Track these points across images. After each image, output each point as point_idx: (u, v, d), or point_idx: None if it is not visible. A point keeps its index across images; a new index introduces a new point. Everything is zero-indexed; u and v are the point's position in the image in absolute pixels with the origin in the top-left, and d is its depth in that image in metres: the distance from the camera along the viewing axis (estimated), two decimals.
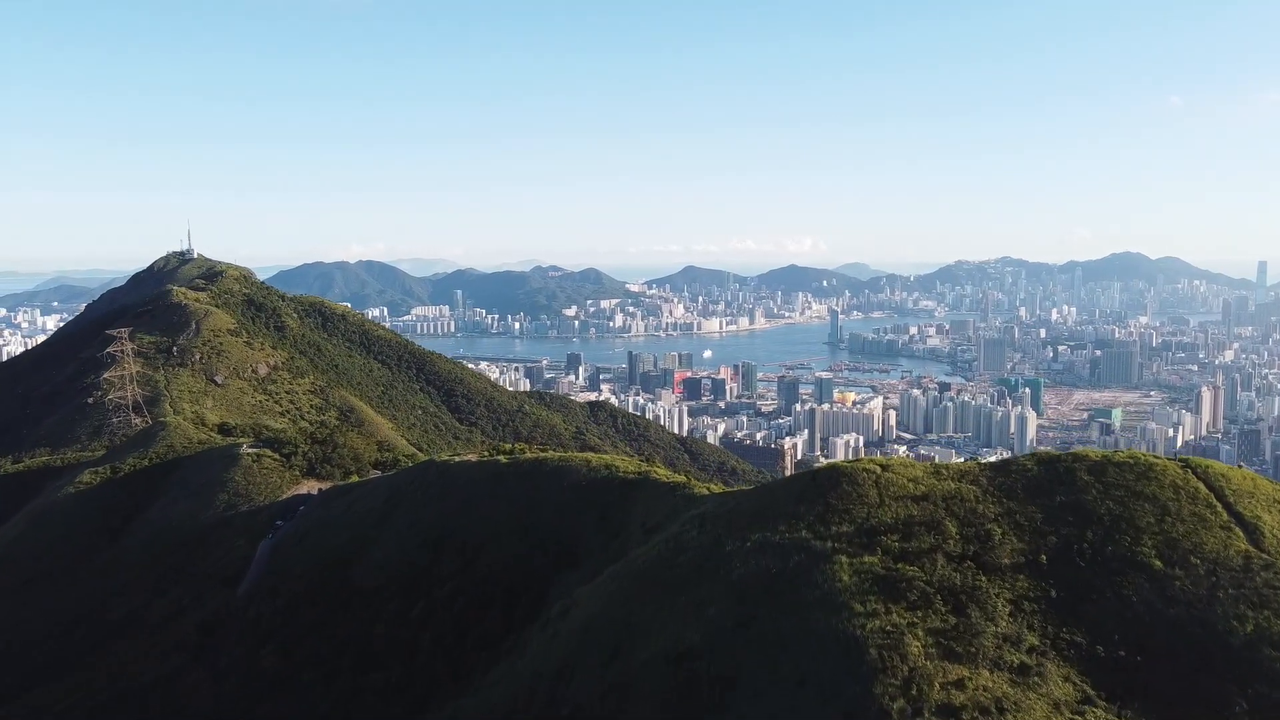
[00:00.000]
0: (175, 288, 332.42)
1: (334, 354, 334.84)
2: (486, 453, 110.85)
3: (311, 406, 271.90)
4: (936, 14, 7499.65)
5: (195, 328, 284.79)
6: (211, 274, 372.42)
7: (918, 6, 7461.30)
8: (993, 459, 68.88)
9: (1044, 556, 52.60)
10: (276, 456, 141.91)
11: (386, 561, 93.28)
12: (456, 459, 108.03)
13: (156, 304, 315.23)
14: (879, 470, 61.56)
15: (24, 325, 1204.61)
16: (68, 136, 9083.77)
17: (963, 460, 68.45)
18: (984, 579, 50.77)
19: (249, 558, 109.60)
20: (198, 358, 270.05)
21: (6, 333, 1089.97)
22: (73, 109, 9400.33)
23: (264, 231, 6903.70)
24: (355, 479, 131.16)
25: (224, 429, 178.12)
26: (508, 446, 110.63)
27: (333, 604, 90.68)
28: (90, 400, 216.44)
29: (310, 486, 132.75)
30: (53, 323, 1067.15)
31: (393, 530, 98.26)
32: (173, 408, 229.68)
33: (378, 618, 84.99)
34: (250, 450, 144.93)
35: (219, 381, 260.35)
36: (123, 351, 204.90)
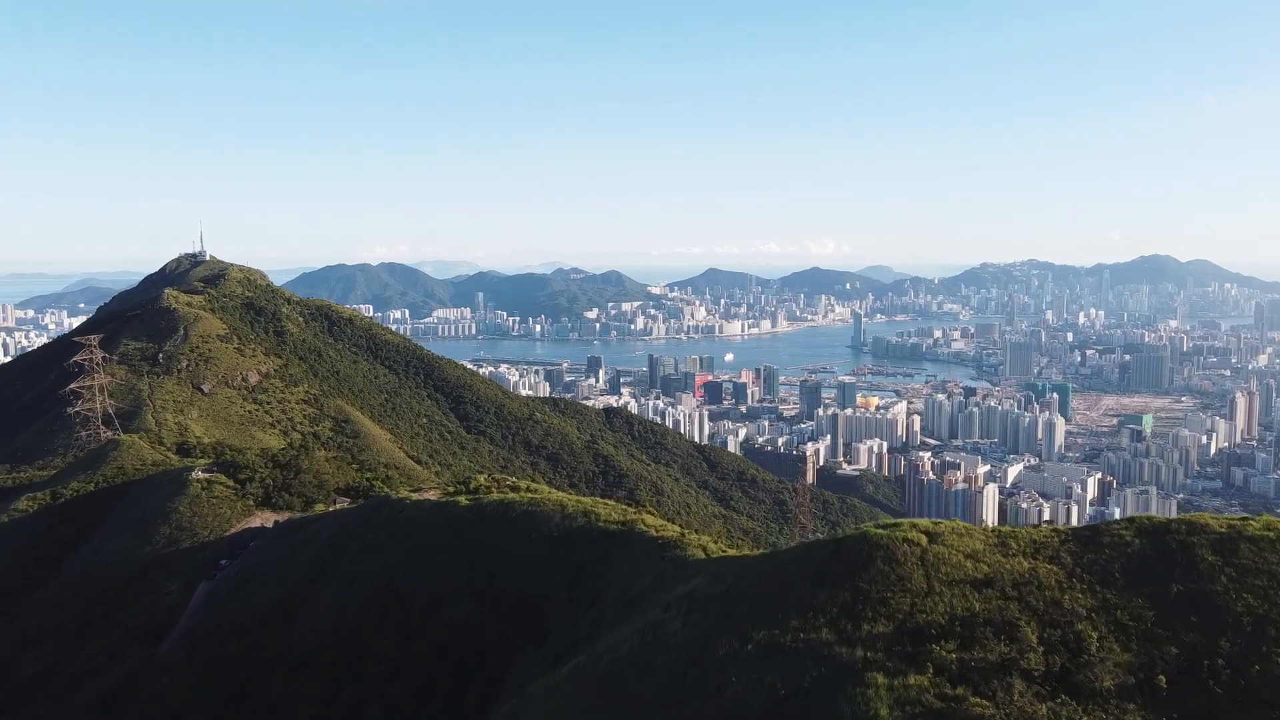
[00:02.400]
0: (168, 290, 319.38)
1: (336, 360, 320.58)
2: (450, 488, 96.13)
3: (304, 417, 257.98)
4: (963, 23, 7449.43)
5: (184, 333, 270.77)
6: (215, 276, 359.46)
7: (943, 16, 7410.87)
8: (1075, 524, 51.62)
9: (1162, 677, 36.92)
10: (230, 483, 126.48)
11: (321, 623, 78.34)
12: (413, 497, 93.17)
13: (147, 308, 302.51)
14: (924, 541, 45.83)
15: (50, 326, 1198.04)
16: (101, 141, 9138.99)
17: (1036, 526, 49.03)
18: (1081, 713, 35.59)
19: (183, 605, 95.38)
20: (184, 365, 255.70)
21: (33, 334, 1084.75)
22: (108, 115, 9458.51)
23: (291, 234, 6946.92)
24: (321, 508, 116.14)
25: (183, 448, 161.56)
26: (480, 480, 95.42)
27: (254, 674, 75.95)
28: (69, 411, 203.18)
29: (265, 518, 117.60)
30: (79, 324, 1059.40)
31: (333, 583, 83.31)
32: (154, 419, 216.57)
33: (303, 695, 70.58)
34: (200, 476, 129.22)
35: (205, 390, 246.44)
36: (91, 360, 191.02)
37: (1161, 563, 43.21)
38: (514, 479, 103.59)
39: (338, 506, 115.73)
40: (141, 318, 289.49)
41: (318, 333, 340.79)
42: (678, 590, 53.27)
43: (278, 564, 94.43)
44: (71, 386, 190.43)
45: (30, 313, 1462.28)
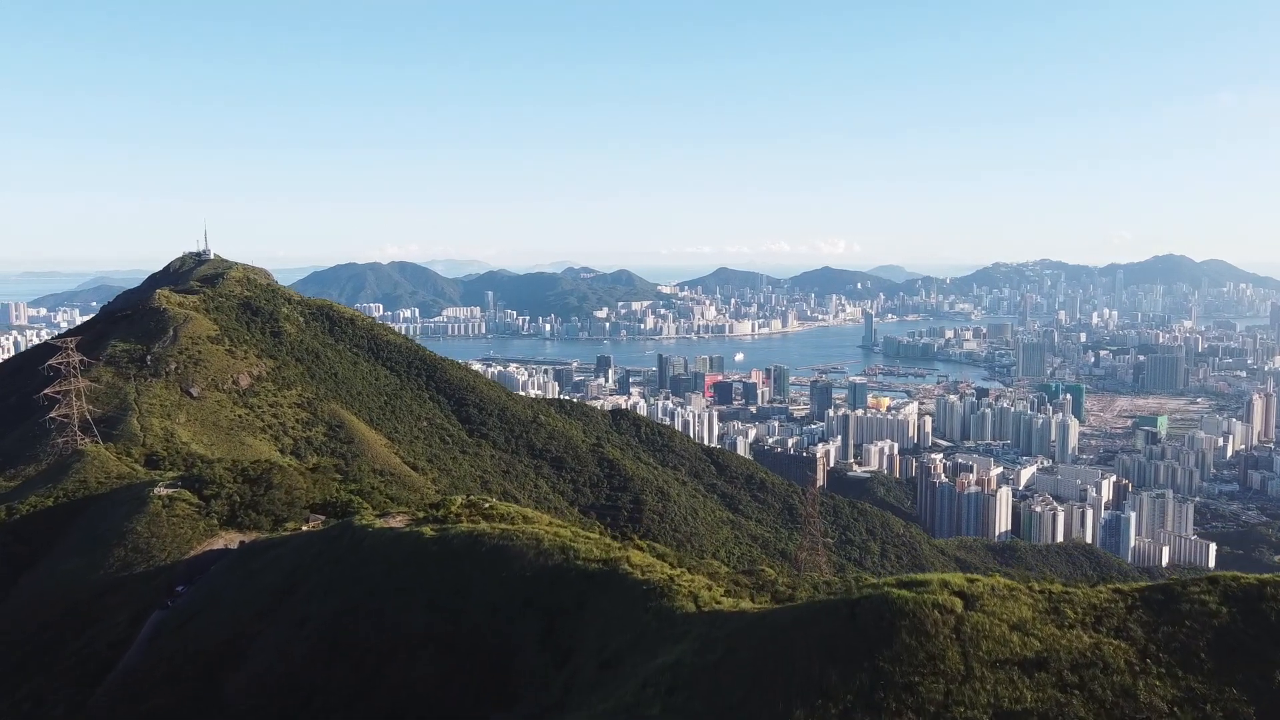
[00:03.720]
0: (159, 290, 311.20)
1: (334, 361, 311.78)
2: (420, 512, 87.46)
3: (297, 421, 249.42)
4: (974, 23, 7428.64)
5: (173, 334, 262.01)
6: (214, 276, 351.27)
7: (954, 16, 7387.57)
8: (1144, 583, 41.64)
9: None
10: (194, 500, 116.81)
11: (263, 675, 69.52)
12: (376, 524, 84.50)
13: (137, 308, 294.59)
14: (959, 607, 37.03)
15: (63, 325, 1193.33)
16: (116, 141, 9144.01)
17: (1094, 587, 39.20)
18: None
19: (131, 638, 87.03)
20: (173, 367, 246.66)
21: (44, 333, 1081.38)
22: (123, 114, 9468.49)
23: (304, 234, 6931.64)
24: (292, 526, 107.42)
25: (151, 460, 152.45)
26: (454, 504, 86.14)
27: None
28: (48, 417, 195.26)
29: (229, 539, 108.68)
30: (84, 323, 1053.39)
31: (282, 623, 74.68)
32: (140, 423, 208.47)
33: None
34: (162, 492, 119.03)
35: (194, 394, 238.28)
36: (67, 363, 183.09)
37: (1258, 638, 34.50)
38: (493, 501, 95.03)
39: (310, 525, 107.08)
40: (131, 318, 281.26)
41: (318, 333, 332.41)
42: (660, 660, 44.83)
43: (229, 596, 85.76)
44: (46, 391, 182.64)
45: (43, 311, 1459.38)
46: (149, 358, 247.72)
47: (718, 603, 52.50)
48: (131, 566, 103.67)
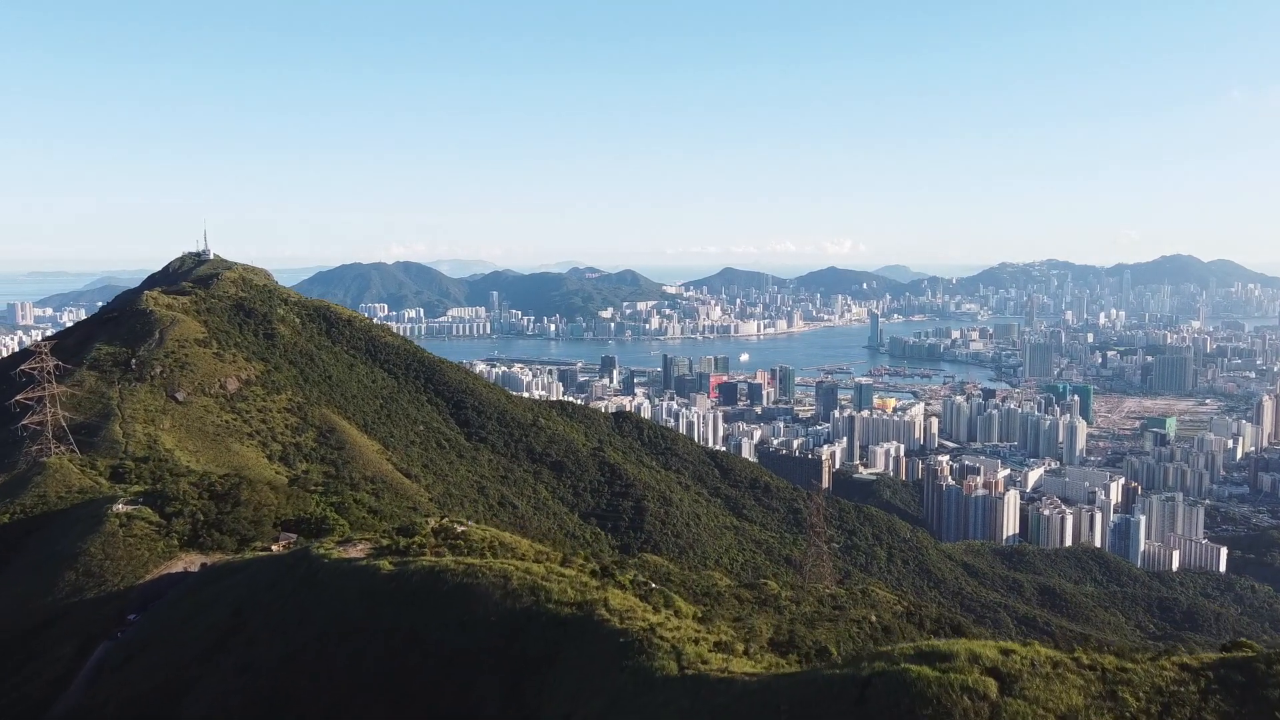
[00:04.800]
0: (147, 292, 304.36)
1: (329, 364, 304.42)
2: (385, 538, 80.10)
3: (286, 427, 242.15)
4: (981, 28, 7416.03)
5: (159, 337, 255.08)
6: (209, 276, 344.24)
7: (962, 21, 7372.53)
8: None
9: None
10: (154, 519, 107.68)
11: None
12: (334, 554, 77.12)
13: (123, 310, 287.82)
14: (993, 691, 29.80)
15: (68, 325, 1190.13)
16: (124, 141, 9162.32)
17: (1154, 658, 31.76)
18: None
19: (74, 674, 79.88)
20: (158, 371, 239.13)
21: (50, 333, 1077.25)
22: (132, 115, 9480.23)
23: (309, 234, 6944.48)
24: (258, 547, 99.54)
25: (117, 473, 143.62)
26: (424, 529, 78.68)
27: None
28: (22, 424, 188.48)
29: (190, 561, 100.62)
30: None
31: (223, 670, 67.22)
32: (122, 430, 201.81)
33: None
34: (121, 509, 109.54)
35: (180, 399, 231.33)
36: (41, 368, 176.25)
37: None
38: (468, 524, 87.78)
39: (280, 546, 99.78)
40: (117, 321, 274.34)
41: (314, 335, 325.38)
42: None
43: (175, 629, 78.29)
44: (18, 398, 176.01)
45: (49, 311, 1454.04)
46: (134, 361, 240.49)
47: (704, 661, 45.55)
48: (82, 591, 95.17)
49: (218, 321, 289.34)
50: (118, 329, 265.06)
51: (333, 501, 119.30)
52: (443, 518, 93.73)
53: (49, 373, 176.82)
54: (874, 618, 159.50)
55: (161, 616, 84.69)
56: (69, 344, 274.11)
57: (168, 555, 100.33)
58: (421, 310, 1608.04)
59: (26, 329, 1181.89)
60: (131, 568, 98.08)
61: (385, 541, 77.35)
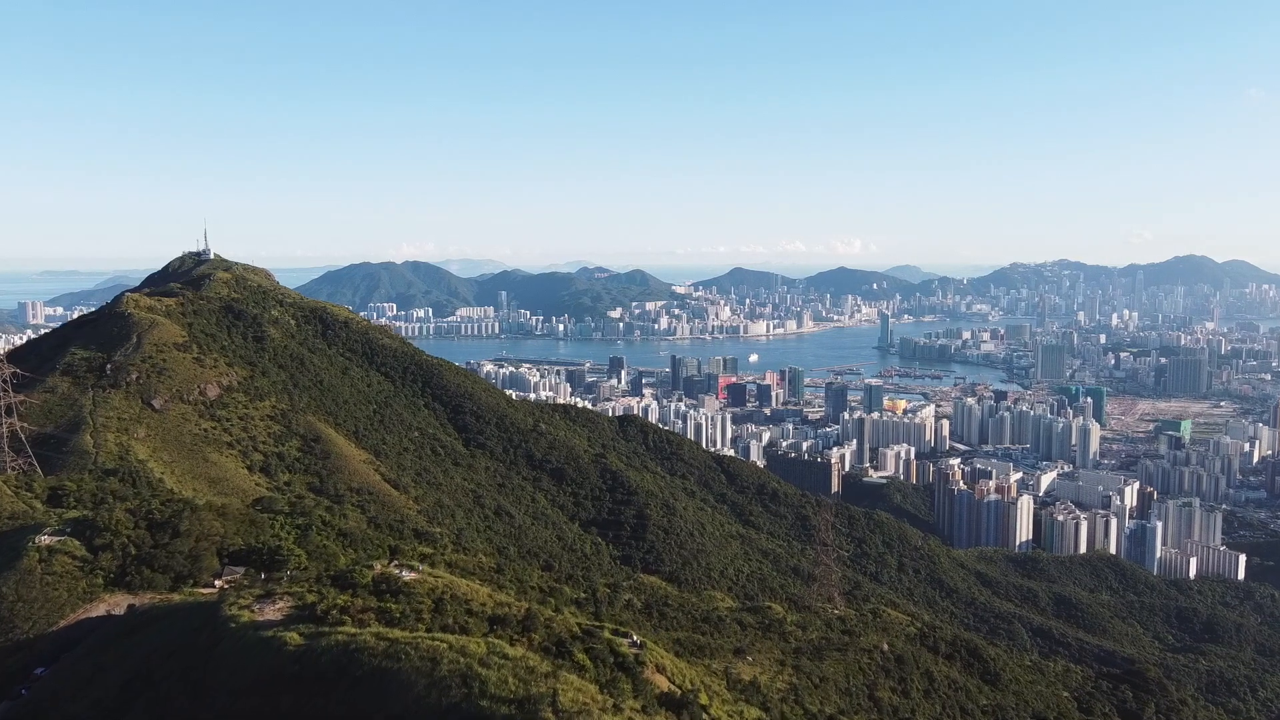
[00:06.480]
0: (128, 294, 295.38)
1: (321, 368, 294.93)
2: (311, 593, 70.11)
3: (269, 435, 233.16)
4: (992, 22, 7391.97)
5: (136, 341, 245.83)
6: (201, 277, 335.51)
7: (973, 14, 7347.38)
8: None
9: None
10: (80, 553, 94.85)
11: None
12: (243, 618, 66.35)
13: (100, 313, 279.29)
14: None
15: None
16: (136, 139, 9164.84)
17: None
18: None
19: None
20: (134, 377, 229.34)
21: None
22: (143, 113, 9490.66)
23: (319, 234, 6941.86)
24: (191, 588, 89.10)
25: (55, 495, 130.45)
26: (364, 577, 68.44)
27: None
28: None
29: (115, 603, 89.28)
30: None
31: None
32: (93, 439, 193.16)
33: None
34: (44, 542, 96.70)
35: (156, 406, 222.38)
36: None
37: None
38: (420, 568, 78.13)
39: (223, 582, 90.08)
40: (94, 324, 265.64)
41: (308, 337, 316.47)
42: None
43: (67, 698, 68.62)
44: None
45: (59, 310, 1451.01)
46: (109, 367, 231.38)
47: None
48: None
49: (203, 324, 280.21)
50: (94, 333, 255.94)
51: (298, 524, 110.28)
52: (390, 562, 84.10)
53: (5, 381, 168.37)
54: (885, 646, 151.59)
55: (67, 673, 75.26)
56: (45, 348, 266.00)
57: (89, 596, 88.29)
58: (430, 310, 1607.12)
59: (37, 328, 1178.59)
60: (45, 612, 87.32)
61: (311, 598, 67.90)
